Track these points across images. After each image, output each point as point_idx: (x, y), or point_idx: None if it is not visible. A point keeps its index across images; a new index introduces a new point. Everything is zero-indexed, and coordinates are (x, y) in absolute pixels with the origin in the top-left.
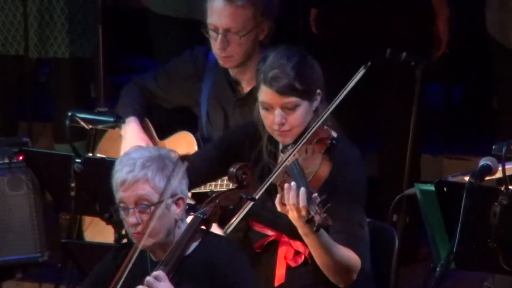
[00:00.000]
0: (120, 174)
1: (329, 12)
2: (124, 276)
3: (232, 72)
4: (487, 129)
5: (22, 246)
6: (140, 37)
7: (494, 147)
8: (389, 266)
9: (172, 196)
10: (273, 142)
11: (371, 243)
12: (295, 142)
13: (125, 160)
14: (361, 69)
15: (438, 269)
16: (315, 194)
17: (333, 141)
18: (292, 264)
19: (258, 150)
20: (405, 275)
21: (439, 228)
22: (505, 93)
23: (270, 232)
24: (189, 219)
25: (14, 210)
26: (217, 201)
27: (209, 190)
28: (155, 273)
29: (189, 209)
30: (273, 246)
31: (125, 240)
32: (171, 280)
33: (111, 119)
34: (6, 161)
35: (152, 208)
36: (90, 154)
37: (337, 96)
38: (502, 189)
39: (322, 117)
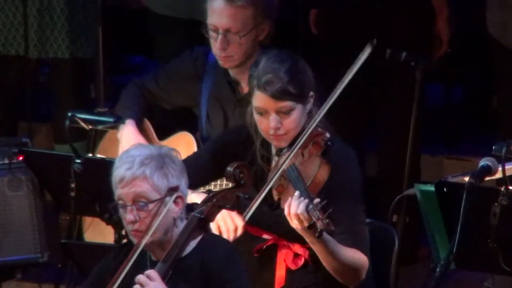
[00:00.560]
0: (119, 171)
1: (329, 12)
2: (123, 274)
3: (232, 73)
4: (487, 129)
5: (22, 246)
6: (140, 37)
7: (494, 147)
8: (389, 266)
9: (171, 194)
10: (265, 146)
11: (371, 243)
12: (291, 145)
13: (125, 157)
14: (366, 46)
15: (438, 269)
16: (317, 200)
17: (329, 142)
18: (292, 267)
19: (251, 155)
20: (405, 275)
21: (439, 228)
22: (505, 93)
23: (267, 236)
24: None
25: (14, 211)
26: (214, 200)
27: (207, 190)
28: (147, 272)
29: (187, 209)
30: (271, 250)
31: (125, 241)
32: (168, 281)
33: (111, 120)
34: (6, 161)
35: (150, 205)
36: (90, 155)
37: (341, 81)
38: (502, 189)
39: (319, 115)
